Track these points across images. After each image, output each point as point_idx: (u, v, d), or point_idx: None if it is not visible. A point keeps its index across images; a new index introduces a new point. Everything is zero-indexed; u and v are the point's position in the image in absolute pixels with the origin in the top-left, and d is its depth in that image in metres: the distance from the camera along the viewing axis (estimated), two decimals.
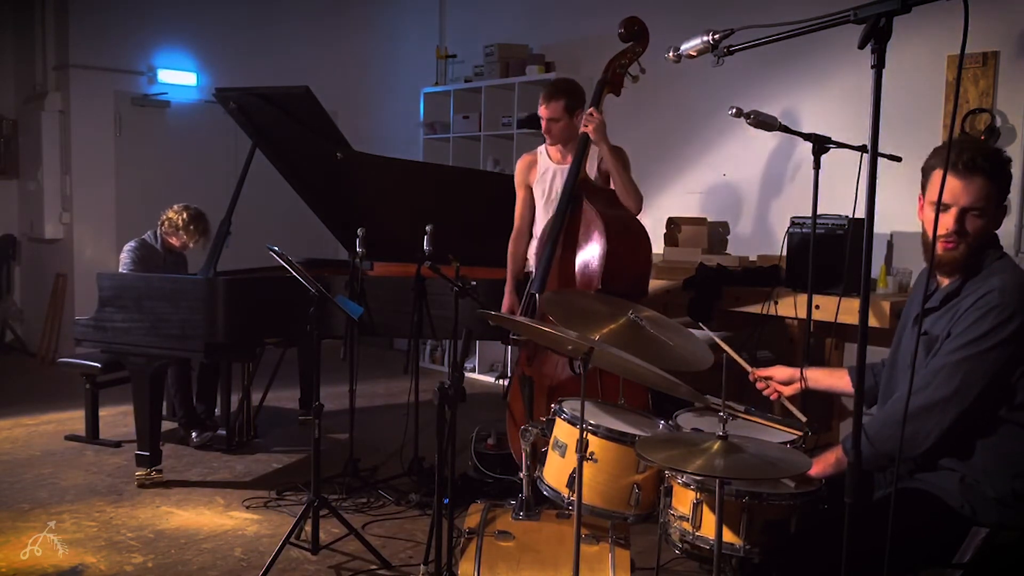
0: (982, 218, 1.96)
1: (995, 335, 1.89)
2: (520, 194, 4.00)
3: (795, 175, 4.94)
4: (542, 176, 3.89)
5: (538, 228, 3.92)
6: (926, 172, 2.03)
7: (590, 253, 3.51)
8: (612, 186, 3.70)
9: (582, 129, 3.59)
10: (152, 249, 4.71)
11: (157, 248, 4.72)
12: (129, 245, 4.68)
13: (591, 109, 3.60)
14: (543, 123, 3.80)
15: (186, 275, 4.25)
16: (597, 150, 3.70)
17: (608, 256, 3.44)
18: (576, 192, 3.57)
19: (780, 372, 2.44)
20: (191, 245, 4.76)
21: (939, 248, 1.98)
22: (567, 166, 3.74)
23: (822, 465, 2.05)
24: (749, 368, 2.44)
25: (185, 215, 4.69)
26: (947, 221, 1.96)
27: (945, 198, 1.94)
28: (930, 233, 1.99)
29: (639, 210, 3.72)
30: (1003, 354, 1.90)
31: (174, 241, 4.73)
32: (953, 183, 1.93)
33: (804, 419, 2.25)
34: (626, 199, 3.66)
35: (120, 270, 4.64)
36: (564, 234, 3.60)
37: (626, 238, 3.53)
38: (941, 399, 1.92)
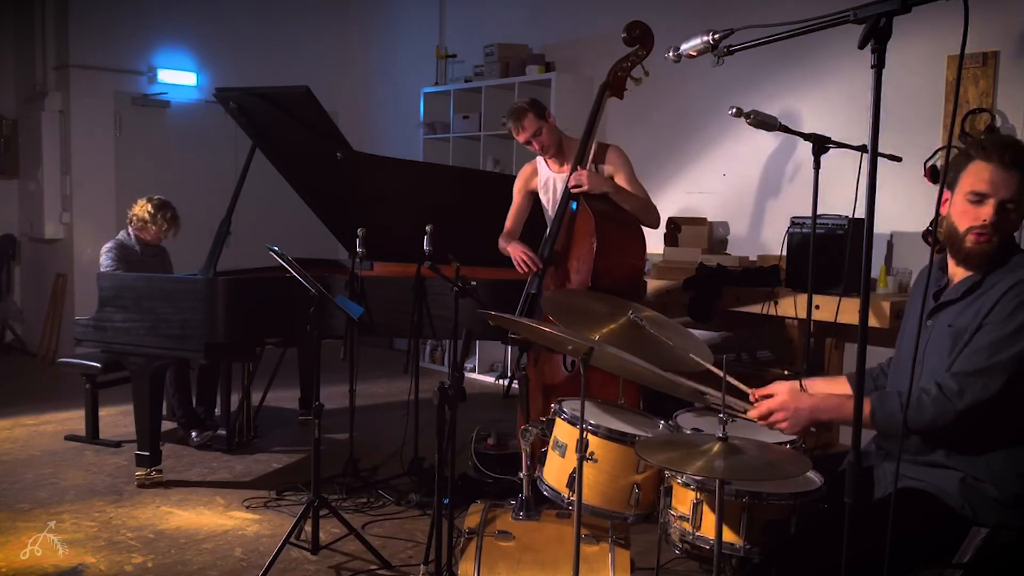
0: (1016, 212, 1.96)
1: None
2: (516, 199, 4.00)
3: (795, 175, 4.95)
4: (544, 186, 3.90)
5: None
6: (961, 164, 2.00)
7: (581, 251, 3.53)
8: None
9: (578, 190, 3.55)
10: (128, 248, 4.71)
11: (133, 246, 4.73)
12: (106, 246, 4.68)
13: (576, 169, 3.58)
14: (532, 145, 3.78)
15: (186, 275, 4.26)
16: (601, 157, 3.71)
17: (597, 255, 3.45)
18: (574, 192, 3.58)
19: (780, 388, 2.31)
20: (163, 236, 4.76)
21: (971, 240, 1.97)
22: (565, 173, 3.75)
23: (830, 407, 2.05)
24: (748, 390, 2.40)
25: (149, 207, 4.70)
26: (984, 212, 1.95)
27: (984, 188, 1.94)
28: (959, 225, 1.98)
29: (657, 223, 3.72)
30: None
31: (146, 236, 4.73)
32: (995, 174, 1.93)
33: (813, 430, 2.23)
34: (644, 217, 3.66)
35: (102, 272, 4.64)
36: (563, 234, 3.61)
37: (616, 236, 3.53)
38: (986, 400, 1.89)
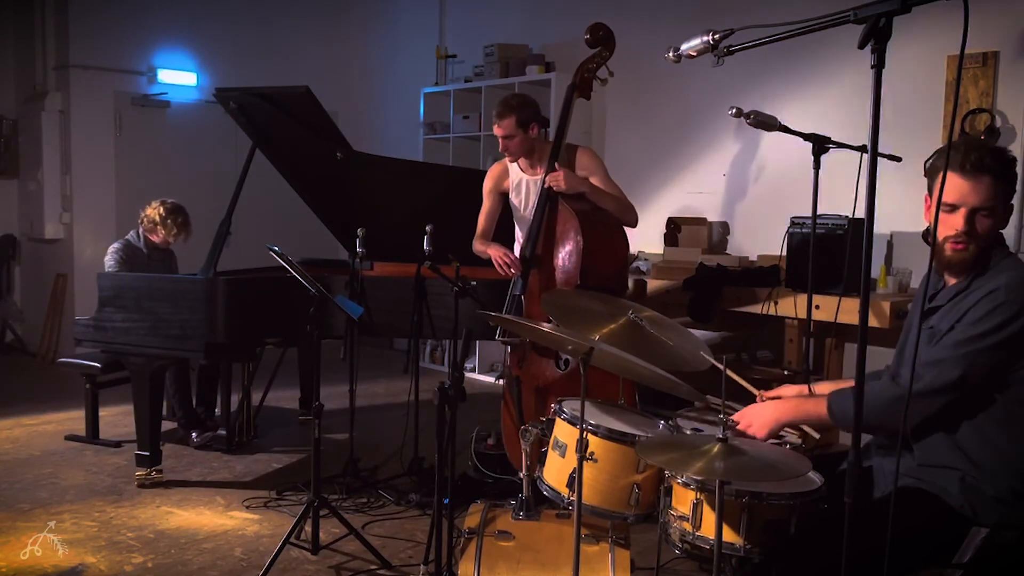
0: (991, 218, 1.96)
1: (999, 332, 1.89)
2: (487, 200, 4.00)
3: (795, 175, 4.94)
4: (516, 187, 3.90)
5: (520, 235, 3.94)
6: (932, 174, 2.01)
7: (567, 251, 3.54)
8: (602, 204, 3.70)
9: (556, 189, 3.57)
10: (136, 249, 4.70)
11: (140, 248, 4.72)
12: (113, 247, 4.68)
13: (552, 171, 3.60)
14: (500, 142, 3.79)
15: (186, 275, 4.25)
16: (571, 159, 3.72)
17: (584, 252, 3.47)
18: (552, 192, 3.59)
19: (788, 391, 2.37)
20: (171, 240, 4.75)
21: (948, 249, 1.98)
22: (537, 177, 3.76)
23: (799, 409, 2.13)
24: (756, 392, 2.41)
25: (162, 210, 4.69)
26: (956, 222, 1.95)
27: (953, 199, 1.94)
28: (938, 235, 1.99)
29: (636, 222, 3.76)
30: (1004, 351, 1.90)
31: (155, 238, 4.72)
32: (961, 183, 1.93)
33: (818, 436, 2.24)
34: (623, 216, 3.69)
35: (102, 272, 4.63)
36: (543, 234, 3.62)
37: (601, 234, 3.56)
38: (936, 388, 1.92)
